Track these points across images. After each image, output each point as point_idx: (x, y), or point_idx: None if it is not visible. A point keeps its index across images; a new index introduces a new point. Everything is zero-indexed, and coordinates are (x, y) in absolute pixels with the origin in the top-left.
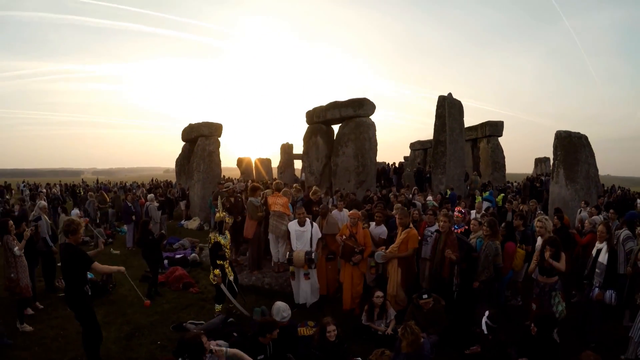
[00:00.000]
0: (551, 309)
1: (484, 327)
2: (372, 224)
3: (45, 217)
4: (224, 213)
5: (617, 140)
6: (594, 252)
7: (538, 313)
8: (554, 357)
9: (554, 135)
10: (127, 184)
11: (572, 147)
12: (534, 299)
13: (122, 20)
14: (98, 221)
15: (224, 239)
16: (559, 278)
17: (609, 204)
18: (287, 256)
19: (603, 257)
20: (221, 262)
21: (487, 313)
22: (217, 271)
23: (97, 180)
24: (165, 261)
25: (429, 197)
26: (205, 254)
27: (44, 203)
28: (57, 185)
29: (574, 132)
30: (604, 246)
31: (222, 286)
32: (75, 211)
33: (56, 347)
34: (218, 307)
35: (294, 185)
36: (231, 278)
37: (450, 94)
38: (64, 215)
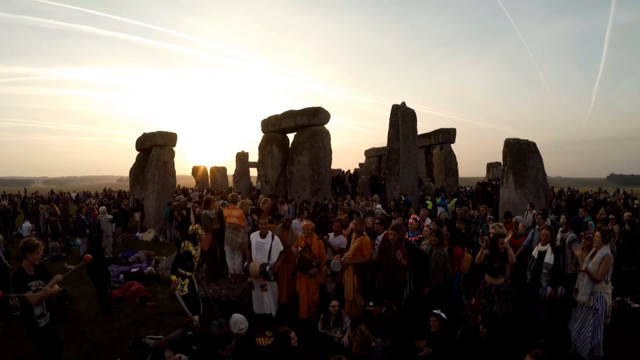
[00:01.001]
0: (494, 310)
1: (442, 315)
2: (331, 234)
3: None
4: (197, 225)
5: (566, 143)
6: (534, 252)
7: (487, 314)
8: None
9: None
10: (79, 193)
11: (520, 153)
12: (475, 295)
13: (77, 22)
14: (49, 235)
15: (195, 251)
16: (504, 281)
17: (558, 207)
18: (244, 266)
19: (549, 258)
20: (189, 273)
21: (438, 310)
22: (173, 277)
23: (52, 191)
24: (121, 276)
25: (378, 206)
26: (162, 267)
27: None
28: (3, 197)
29: (523, 140)
30: (547, 248)
31: (177, 294)
32: (27, 224)
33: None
34: (195, 317)
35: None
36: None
37: (403, 103)
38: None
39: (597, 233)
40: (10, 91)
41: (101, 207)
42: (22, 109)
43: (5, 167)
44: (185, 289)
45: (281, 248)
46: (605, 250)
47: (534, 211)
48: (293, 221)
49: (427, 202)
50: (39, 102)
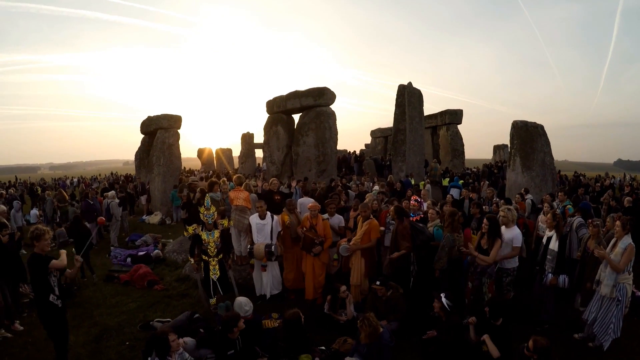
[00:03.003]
0: (483, 291)
1: (446, 306)
2: (325, 215)
3: (5, 221)
4: (206, 212)
5: (573, 127)
6: (544, 239)
7: (493, 298)
8: (505, 338)
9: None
10: (79, 178)
11: (528, 136)
12: (469, 277)
13: (79, 7)
14: (58, 221)
15: (208, 236)
16: (493, 262)
17: (561, 190)
18: (247, 249)
19: (554, 245)
20: (205, 257)
21: (444, 294)
22: (190, 259)
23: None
24: (129, 259)
25: (375, 187)
26: (169, 250)
27: (3, 207)
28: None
29: (530, 122)
30: (553, 234)
31: (197, 277)
32: (34, 211)
33: (25, 356)
34: (212, 300)
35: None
36: (214, 277)
37: (410, 83)
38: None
39: (618, 222)
40: (13, 79)
41: (110, 192)
42: (26, 96)
43: (11, 154)
44: (201, 272)
45: (280, 228)
46: (627, 240)
47: (529, 196)
48: (299, 200)
49: (419, 183)
50: (43, 89)
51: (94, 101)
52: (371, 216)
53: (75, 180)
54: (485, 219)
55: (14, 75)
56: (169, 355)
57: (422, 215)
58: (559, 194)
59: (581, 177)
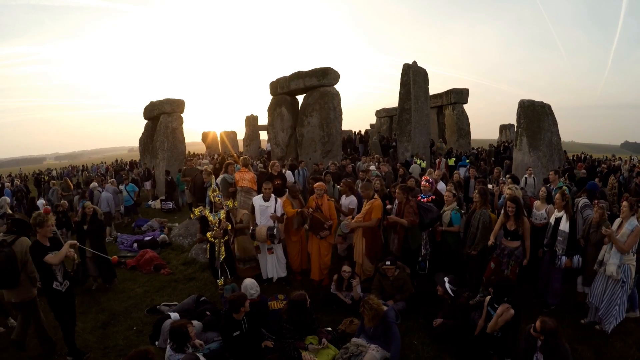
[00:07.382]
0: (504, 272)
1: (449, 291)
2: (342, 195)
3: (11, 212)
4: (214, 193)
5: (580, 108)
6: (552, 219)
7: (495, 279)
8: (513, 320)
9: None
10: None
11: (535, 115)
12: (493, 258)
13: None
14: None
15: (214, 217)
16: (521, 244)
17: (569, 170)
18: (249, 231)
19: (564, 226)
20: (212, 239)
21: (447, 279)
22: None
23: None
24: (135, 244)
25: (372, 167)
26: (175, 234)
27: (7, 199)
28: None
29: (537, 101)
30: (563, 214)
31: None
32: (41, 201)
33: (34, 344)
34: (219, 281)
35: (205, 167)
36: (220, 258)
37: (415, 62)
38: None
39: (625, 203)
40: (15, 72)
41: (111, 180)
42: (29, 87)
43: (17, 147)
44: (207, 254)
45: (283, 211)
46: (634, 221)
47: (528, 172)
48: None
49: (416, 159)
50: (45, 80)
51: (97, 89)
52: (375, 196)
53: (60, 170)
54: (508, 201)
55: (19, 67)
56: (186, 346)
57: (434, 197)
58: (550, 173)
59: (608, 161)
